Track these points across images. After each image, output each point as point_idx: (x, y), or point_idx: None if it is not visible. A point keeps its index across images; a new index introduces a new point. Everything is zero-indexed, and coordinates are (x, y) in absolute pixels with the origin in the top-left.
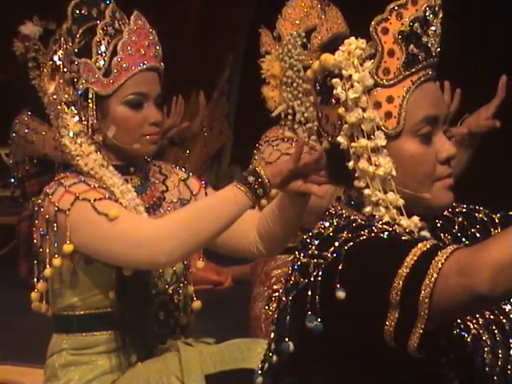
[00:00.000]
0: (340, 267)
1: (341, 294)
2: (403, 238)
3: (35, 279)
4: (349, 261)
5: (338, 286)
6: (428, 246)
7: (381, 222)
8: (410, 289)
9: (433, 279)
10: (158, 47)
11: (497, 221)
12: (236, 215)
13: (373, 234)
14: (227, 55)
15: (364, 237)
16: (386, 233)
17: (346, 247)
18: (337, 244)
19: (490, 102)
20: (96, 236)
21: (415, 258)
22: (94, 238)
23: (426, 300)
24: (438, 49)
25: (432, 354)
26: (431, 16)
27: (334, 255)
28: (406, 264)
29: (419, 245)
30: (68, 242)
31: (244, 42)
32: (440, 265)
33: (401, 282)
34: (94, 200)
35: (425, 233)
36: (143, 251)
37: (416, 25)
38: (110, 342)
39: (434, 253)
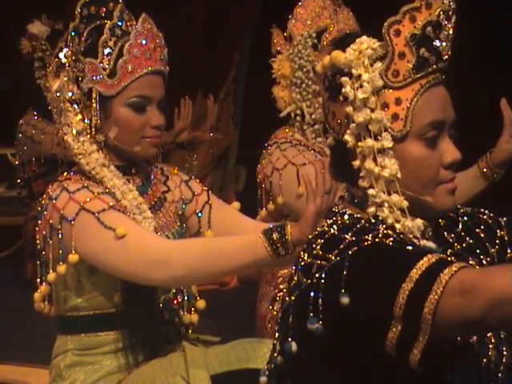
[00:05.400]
0: (344, 273)
1: (345, 300)
2: (408, 247)
3: (38, 280)
4: (353, 267)
5: (343, 291)
6: (433, 261)
7: (384, 226)
8: (414, 304)
9: (436, 296)
10: (164, 50)
11: (503, 223)
12: (251, 264)
13: (377, 240)
14: (233, 55)
15: (368, 242)
16: (391, 238)
17: (350, 252)
18: (341, 247)
19: (503, 130)
20: (104, 251)
21: (420, 273)
22: (102, 252)
23: (429, 316)
24: (449, 53)
25: (435, 364)
26: (444, 20)
27: (338, 258)
28: (410, 278)
29: (424, 258)
30: (73, 252)
31: (250, 43)
32: (444, 282)
33: (405, 297)
34: (99, 212)
35: (429, 244)
36: (155, 270)
37: (429, 29)
38: (115, 343)
39: (440, 269)
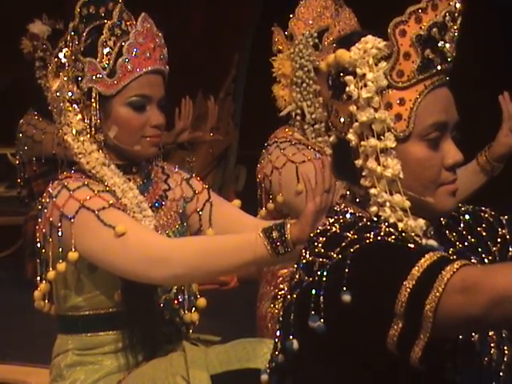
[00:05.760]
0: (346, 271)
1: (346, 298)
2: (410, 245)
3: (38, 278)
4: (355, 265)
5: (345, 289)
6: (435, 258)
7: (387, 224)
8: (415, 302)
9: (438, 294)
10: (164, 50)
11: (504, 222)
12: (251, 262)
13: (379, 238)
14: (233, 55)
15: (370, 239)
16: (393, 236)
17: (352, 249)
18: (343, 244)
19: (502, 124)
20: (104, 249)
21: (421, 270)
22: (102, 251)
23: (430, 314)
24: (454, 54)
25: (436, 363)
26: (450, 22)
27: (340, 256)
28: (412, 276)
29: (426, 256)
30: (73, 250)
31: (250, 43)
32: (446, 280)
33: (406, 294)
34: (99, 210)
35: (431, 242)
36: (155, 268)
37: (434, 30)
38: (116, 342)
39: (441, 267)
